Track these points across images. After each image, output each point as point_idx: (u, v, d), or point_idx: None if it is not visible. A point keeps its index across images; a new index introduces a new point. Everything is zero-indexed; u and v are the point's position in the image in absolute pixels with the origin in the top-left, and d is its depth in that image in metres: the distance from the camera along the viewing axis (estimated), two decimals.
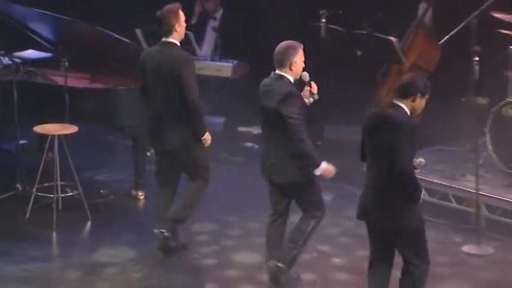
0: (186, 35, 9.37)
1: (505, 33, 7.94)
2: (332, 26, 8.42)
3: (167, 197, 7.18)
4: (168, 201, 7.14)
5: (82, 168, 8.08)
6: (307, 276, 6.77)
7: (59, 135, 7.61)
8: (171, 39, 6.92)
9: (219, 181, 8.68)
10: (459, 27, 7.65)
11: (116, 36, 8.21)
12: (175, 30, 6.91)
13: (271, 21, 8.65)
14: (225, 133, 9.34)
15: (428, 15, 9.01)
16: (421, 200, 5.77)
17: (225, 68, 9.52)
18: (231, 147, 9.39)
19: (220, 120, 9.38)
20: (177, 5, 6.97)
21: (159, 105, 6.95)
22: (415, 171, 5.78)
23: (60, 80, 8.01)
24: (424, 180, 7.99)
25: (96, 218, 7.76)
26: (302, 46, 6.38)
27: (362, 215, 5.82)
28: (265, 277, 6.76)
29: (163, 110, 6.95)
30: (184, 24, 6.99)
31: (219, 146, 9.19)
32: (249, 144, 9.62)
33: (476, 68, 7.30)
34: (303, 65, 6.38)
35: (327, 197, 8.23)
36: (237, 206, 8.05)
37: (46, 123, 7.89)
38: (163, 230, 7.00)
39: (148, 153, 8.70)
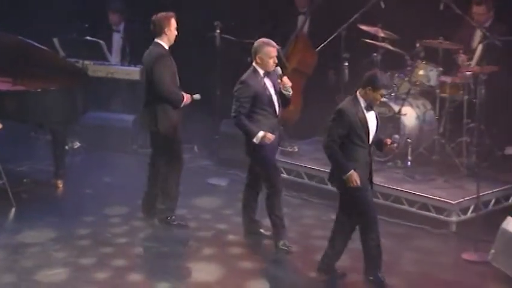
0: (98, 44, 9.44)
1: (369, 43, 8.15)
2: (225, 36, 8.47)
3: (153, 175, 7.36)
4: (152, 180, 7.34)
5: (6, 161, 7.93)
6: (207, 251, 6.82)
7: None
8: (159, 40, 7.06)
9: (128, 170, 8.74)
10: (331, 37, 7.79)
11: (36, 44, 8.12)
12: (165, 33, 7.01)
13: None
14: (134, 128, 9.25)
15: (306, 26, 9.18)
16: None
17: (133, 72, 9.46)
18: (140, 140, 9.33)
19: (130, 117, 9.31)
20: (171, 13, 7.07)
21: (144, 94, 7.19)
22: (393, 145, 6.10)
23: None
24: (304, 166, 8.19)
25: (20, 205, 7.64)
26: (270, 45, 6.60)
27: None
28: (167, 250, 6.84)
29: (145, 98, 7.18)
30: (174, 31, 7.05)
31: (130, 139, 9.24)
32: None
33: (346, 71, 7.49)
34: (271, 61, 6.56)
35: (223, 183, 8.39)
36: None
37: None
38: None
39: (66, 147, 8.64)
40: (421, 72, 8.00)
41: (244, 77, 6.58)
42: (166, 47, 7.06)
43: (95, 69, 9.36)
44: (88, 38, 9.30)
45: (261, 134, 6.49)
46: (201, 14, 8.97)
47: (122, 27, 9.70)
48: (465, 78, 7.90)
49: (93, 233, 7.12)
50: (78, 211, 7.56)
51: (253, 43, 8.70)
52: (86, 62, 9.22)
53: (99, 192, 8.08)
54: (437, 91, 8.00)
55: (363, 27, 8.07)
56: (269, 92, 6.57)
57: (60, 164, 8.13)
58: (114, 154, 9.03)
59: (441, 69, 7.95)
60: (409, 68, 8.07)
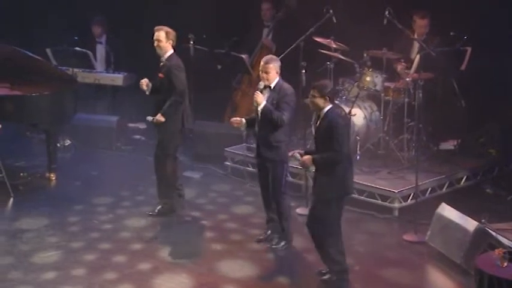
0: (86, 54, 9.43)
1: (323, 53, 8.16)
2: (198, 47, 8.48)
3: None
4: None
5: (5, 157, 7.91)
6: (182, 235, 6.86)
7: None
8: None
9: (113, 164, 8.76)
10: (291, 47, 7.81)
11: (31, 54, 8.08)
12: None
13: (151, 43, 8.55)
14: (118, 128, 9.25)
15: (269, 38, 9.24)
16: None
17: (117, 78, 9.48)
18: (123, 139, 9.35)
19: (114, 118, 9.31)
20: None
21: None
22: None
23: None
24: None
25: (17, 195, 7.62)
26: (263, 61, 6.45)
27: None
28: (151, 236, 6.81)
29: None
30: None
31: (114, 138, 9.23)
32: (137, 136, 9.58)
33: (303, 77, 7.51)
34: (261, 74, 6.43)
35: (196, 175, 8.42)
36: (128, 184, 8.05)
37: None
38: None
39: (58, 145, 8.62)
40: (368, 78, 8.05)
41: None
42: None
43: (83, 76, 9.36)
44: (77, 48, 9.28)
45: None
46: (177, 27, 8.98)
47: (103, 39, 9.69)
48: (406, 83, 8.00)
49: (82, 220, 7.12)
50: (69, 201, 7.56)
51: (223, 53, 8.84)
52: (75, 70, 9.20)
53: (88, 184, 8.07)
54: (382, 95, 8.07)
55: (318, 39, 8.09)
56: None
57: (53, 160, 8.11)
58: (100, 151, 9.03)
59: (385, 75, 8.03)
60: (357, 75, 8.11)
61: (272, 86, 6.41)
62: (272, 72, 6.38)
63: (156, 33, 6.98)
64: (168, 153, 7.06)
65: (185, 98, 7.04)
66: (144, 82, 7.01)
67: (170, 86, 6.93)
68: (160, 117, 6.91)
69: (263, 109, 6.34)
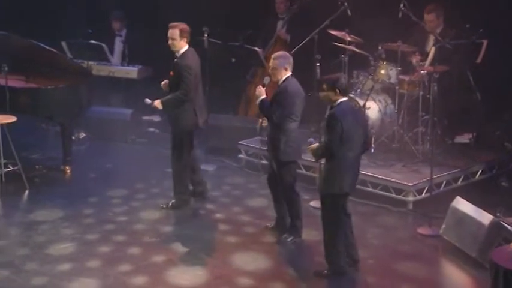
0: (101, 46, 9.45)
1: (337, 46, 8.13)
2: (212, 40, 8.48)
3: None
4: None
5: (20, 149, 7.92)
6: (197, 228, 6.85)
7: (1, 124, 7.47)
8: None
9: (128, 157, 8.77)
10: (305, 40, 7.78)
11: (46, 47, 8.11)
12: None
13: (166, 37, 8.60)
14: (132, 121, 9.27)
15: (284, 30, 9.22)
16: None
17: (132, 71, 9.50)
18: (138, 132, 9.37)
19: (129, 111, 9.32)
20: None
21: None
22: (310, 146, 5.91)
23: (1, 82, 7.83)
24: None
25: (32, 187, 7.66)
26: (272, 57, 6.37)
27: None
28: (166, 228, 6.85)
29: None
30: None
31: (128, 131, 9.25)
32: (152, 129, 9.60)
33: (318, 70, 7.48)
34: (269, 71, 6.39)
35: (210, 168, 8.41)
36: (143, 176, 8.05)
37: None
38: None
39: (73, 137, 8.65)
40: (382, 71, 8.03)
41: None
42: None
43: (98, 69, 9.38)
44: (92, 41, 9.31)
45: None
46: (191, 20, 9.00)
47: (123, 32, 9.72)
48: (420, 76, 7.95)
49: (96, 212, 7.15)
50: (84, 193, 7.59)
51: (237, 46, 8.83)
52: (90, 63, 9.23)
53: (102, 176, 8.10)
54: (397, 88, 8.04)
55: (333, 32, 8.05)
56: None
57: (68, 152, 8.14)
58: (115, 143, 9.04)
59: (400, 68, 7.99)
60: (372, 68, 8.09)
61: (280, 82, 6.37)
62: (278, 68, 6.32)
63: (170, 31, 6.93)
64: (182, 150, 7.06)
65: (194, 98, 7.02)
66: (164, 84, 7.07)
67: (179, 83, 6.93)
68: (158, 104, 6.96)
69: (259, 104, 6.35)
